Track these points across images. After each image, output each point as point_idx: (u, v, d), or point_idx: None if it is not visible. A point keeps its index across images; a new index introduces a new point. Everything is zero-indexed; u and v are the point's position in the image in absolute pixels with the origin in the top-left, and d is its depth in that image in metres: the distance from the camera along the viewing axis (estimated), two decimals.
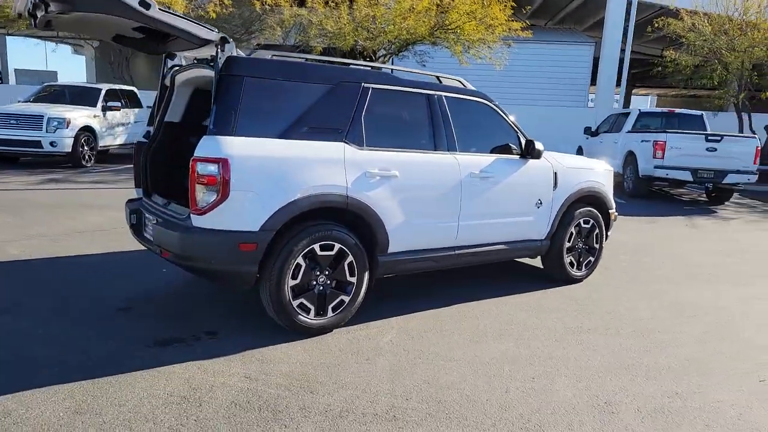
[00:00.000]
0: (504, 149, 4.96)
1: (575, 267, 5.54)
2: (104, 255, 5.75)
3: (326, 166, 3.88)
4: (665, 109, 13.93)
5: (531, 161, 5.04)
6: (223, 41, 3.68)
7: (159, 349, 3.63)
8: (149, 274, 5.17)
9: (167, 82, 4.65)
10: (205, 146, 3.57)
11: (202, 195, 3.58)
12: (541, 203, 5.13)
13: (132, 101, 14.96)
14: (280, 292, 3.75)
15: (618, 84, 21.02)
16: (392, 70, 4.52)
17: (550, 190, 5.19)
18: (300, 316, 3.86)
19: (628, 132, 12.92)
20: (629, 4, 19.63)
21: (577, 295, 5.20)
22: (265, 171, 3.67)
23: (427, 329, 4.18)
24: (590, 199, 5.56)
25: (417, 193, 4.30)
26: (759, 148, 11.45)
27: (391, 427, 2.86)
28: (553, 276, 5.52)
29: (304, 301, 3.87)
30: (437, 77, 4.78)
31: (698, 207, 11.90)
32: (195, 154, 3.57)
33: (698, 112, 13.48)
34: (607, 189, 5.72)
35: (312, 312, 3.91)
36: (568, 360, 3.77)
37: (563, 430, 2.91)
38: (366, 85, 4.17)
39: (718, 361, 3.87)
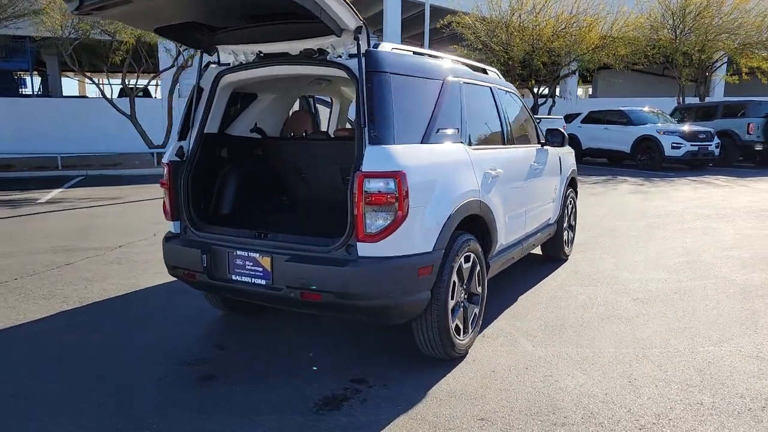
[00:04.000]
0: (533, 139, 5.04)
1: (567, 245, 5.92)
2: (60, 317, 4.32)
3: (465, 171, 3.54)
4: None
5: (550, 149, 5.21)
6: (359, 30, 3.07)
7: (340, 414, 2.92)
8: (153, 329, 4.10)
9: (204, 84, 3.68)
10: (375, 158, 2.97)
11: (374, 217, 2.97)
12: (556, 188, 5.36)
13: None
14: (446, 315, 3.32)
15: None
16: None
17: (558, 175, 5.44)
18: (456, 339, 3.46)
19: None
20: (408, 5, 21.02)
21: (586, 270, 5.56)
22: (430, 183, 3.20)
23: (538, 329, 4.07)
24: (573, 181, 5.97)
25: (510, 189, 4.16)
26: (565, 127, 13.41)
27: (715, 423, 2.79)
28: (552, 256, 5.82)
29: (458, 322, 3.49)
30: (483, 69, 4.62)
31: None
32: (363, 169, 2.94)
33: None
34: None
35: (461, 332, 3.54)
36: (688, 330, 4.03)
37: None
38: (462, 79, 3.87)
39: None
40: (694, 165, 15.95)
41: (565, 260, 5.91)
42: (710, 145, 15.40)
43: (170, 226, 3.73)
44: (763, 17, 21.00)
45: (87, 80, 16.11)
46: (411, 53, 3.55)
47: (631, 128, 16.18)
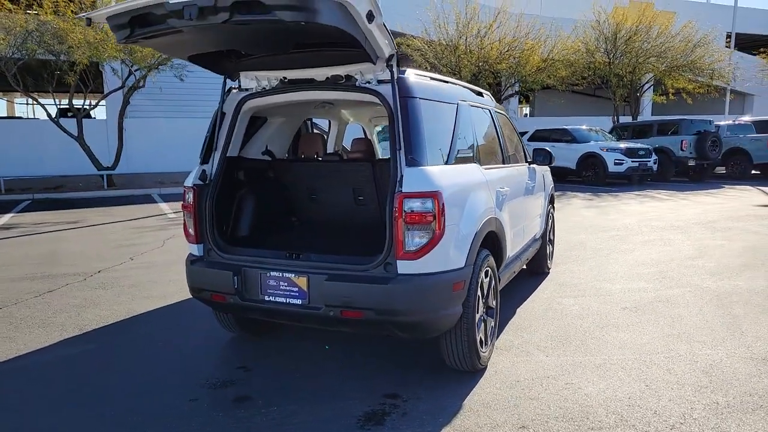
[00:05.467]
0: (521, 158, 5.28)
1: (549, 258, 6.19)
2: (65, 346, 4.19)
3: (483, 190, 3.71)
4: None
5: (536, 167, 5.47)
6: (391, 58, 3.20)
7: (385, 428, 2.99)
8: (167, 354, 4.04)
9: (227, 108, 3.71)
10: (413, 179, 3.09)
11: (413, 236, 3.09)
12: (542, 204, 5.62)
13: None
14: (474, 328, 3.46)
15: None
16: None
17: (543, 191, 5.71)
18: (480, 352, 3.61)
19: None
20: None
21: (570, 282, 5.82)
22: (461, 201, 3.35)
23: (545, 340, 4.26)
24: (552, 197, 6.27)
25: (513, 206, 4.37)
26: None
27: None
28: (536, 270, 6.06)
29: (481, 335, 3.63)
30: (480, 92, 4.83)
31: None
32: (403, 189, 3.06)
33: None
34: None
35: (483, 344, 3.69)
36: (682, 335, 4.32)
37: None
38: (468, 102, 4.07)
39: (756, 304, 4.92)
40: (634, 180, 16.88)
41: (548, 273, 6.17)
42: (649, 161, 16.35)
43: (192, 249, 3.71)
44: (687, 42, 22.58)
45: (32, 101, 15.42)
46: (429, 78, 3.71)
47: (576, 146, 16.97)
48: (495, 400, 3.30)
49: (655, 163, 16.54)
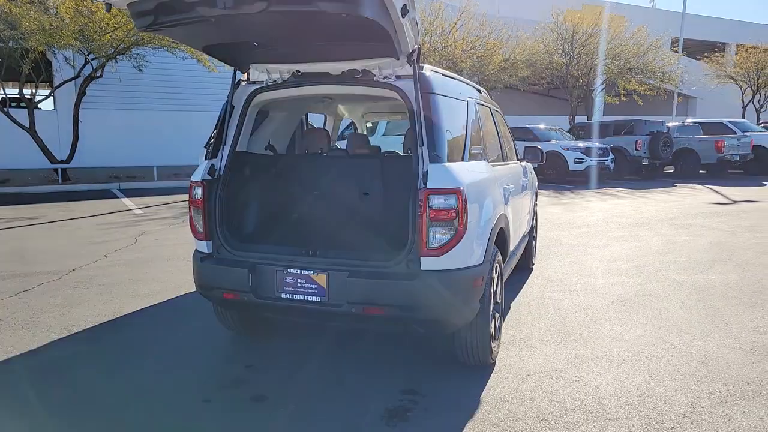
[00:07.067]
0: (514, 155, 5.37)
1: (533, 255, 6.31)
2: (57, 347, 4.02)
3: (494, 187, 3.76)
4: None
5: (527, 165, 5.57)
6: (413, 53, 3.20)
7: (410, 424, 3.00)
8: (168, 354, 3.94)
9: (236, 102, 3.62)
10: (438, 176, 3.10)
11: (436, 232, 3.10)
12: (530, 202, 5.72)
13: None
14: (489, 324, 3.51)
15: None
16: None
17: (532, 189, 5.81)
18: (492, 347, 3.65)
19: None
20: None
21: (554, 277, 5.96)
22: (480, 198, 3.39)
23: (545, 334, 4.35)
24: (536, 195, 6.39)
25: (514, 202, 4.44)
26: None
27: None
28: (521, 266, 6.14)
29: (492, 330, 3.68)
30: (479, 89, 4.87)
31: None
32: (429, 186, 3.07)
33: None
34: None
35: (493, 340, 3.73)
36: (672, 327, 4.48)
37: None
38: (474, 99, 4.10)
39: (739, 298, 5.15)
40: (592, 178, 17.36)
41: (532, 269, 6.29)
42: (606, 160, 16.86)
43: (200, 246, 3.61)
44: (639, 46, 23.42)
45: None
46: (442, 74, 3.72)
47: (538, 144, 17.31)
48: (511, 394, 3.35)
49: (612, 162, 17.06)
